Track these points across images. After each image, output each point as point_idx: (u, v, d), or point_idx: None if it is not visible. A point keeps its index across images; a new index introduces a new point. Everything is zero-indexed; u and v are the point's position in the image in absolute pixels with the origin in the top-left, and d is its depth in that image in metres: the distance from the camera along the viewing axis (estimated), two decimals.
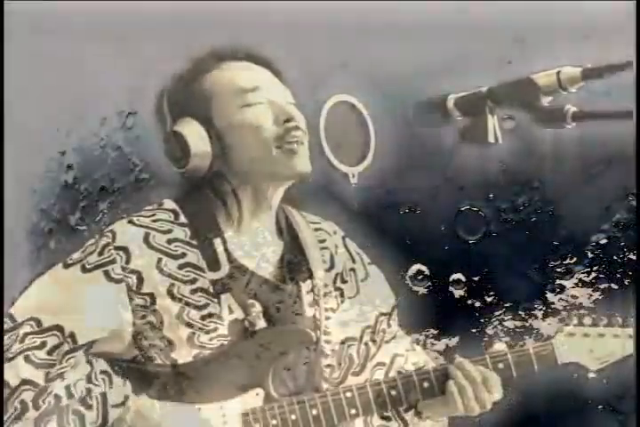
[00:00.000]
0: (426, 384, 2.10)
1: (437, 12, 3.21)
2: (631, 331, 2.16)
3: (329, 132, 2.89)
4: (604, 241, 3.17)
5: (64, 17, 3.78)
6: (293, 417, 2.03)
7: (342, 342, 2.18)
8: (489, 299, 3.28)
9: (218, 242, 2.08)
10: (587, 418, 3.16)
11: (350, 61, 3.32)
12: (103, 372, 2.01)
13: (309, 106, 3.13)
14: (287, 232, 2.17)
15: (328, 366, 2.14)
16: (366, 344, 2.21)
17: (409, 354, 2.26)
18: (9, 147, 3.62)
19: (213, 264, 2.06)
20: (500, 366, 2.13)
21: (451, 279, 3.32)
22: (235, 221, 2.10)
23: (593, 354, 2.16)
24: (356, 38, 3.28)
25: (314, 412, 2.04)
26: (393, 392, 2.08)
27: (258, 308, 2.06)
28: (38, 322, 1.99)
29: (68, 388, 1.97)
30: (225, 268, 2.06)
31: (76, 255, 2.05)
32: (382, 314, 2.24)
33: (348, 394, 2.06)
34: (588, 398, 3.16)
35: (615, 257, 3.16)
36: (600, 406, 3.16)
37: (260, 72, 2.16)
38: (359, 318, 2.21)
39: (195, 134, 2.08)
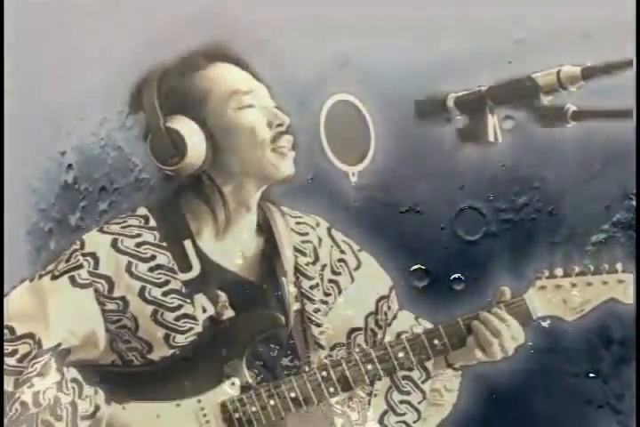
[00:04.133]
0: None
1: (438, 11, 3.21)
2: (605, 277, 2.14)
3: (329, 130, 2.89)
4: (603, 241, 3.17)
5: (63, 14, 3.78)
6: (272, 402, 2.05)
7: (348, 335, 2.20)
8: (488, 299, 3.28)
9: (188, 243, 2.09)
10: (587, 418, 3.16)
11: (350, 61, 3.32)
12: (73, 380, 2.02)
13: (310, 105, 3.14)
14: (265, 229, 2.19)
15: (327, 356, 2.17)
16: (372, 331, 2.24)
17: (413, 329, 2.27)
18: (9, 147, 3.62)
19: (184, 265, 2.08)
20: (475, 323, 2.14)
21: (450, 279, 3.32)
22: (221, 221, 2.12)
23: (567, 305, 2.14)
24: (357, 37, 3.28)
25: (292, 395, 2.06)
26: (369, 366, 2.09)
27: (223, 297, 2.07)
28: (12, 330, 2.01)
29: (36, 395, 1.98)
30: (196, 268, 2.07)
31: (49, 266, 2.09)
32: (382, 297, 2.26)
33: (324, 373, 2.07)
34: (588, 398, 3.15)
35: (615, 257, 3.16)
36: (600, 407, 3.15)
37: (251, 77, 2.19)
38: (360, 307, 2.22)
39: (192, 133, 2.09)
